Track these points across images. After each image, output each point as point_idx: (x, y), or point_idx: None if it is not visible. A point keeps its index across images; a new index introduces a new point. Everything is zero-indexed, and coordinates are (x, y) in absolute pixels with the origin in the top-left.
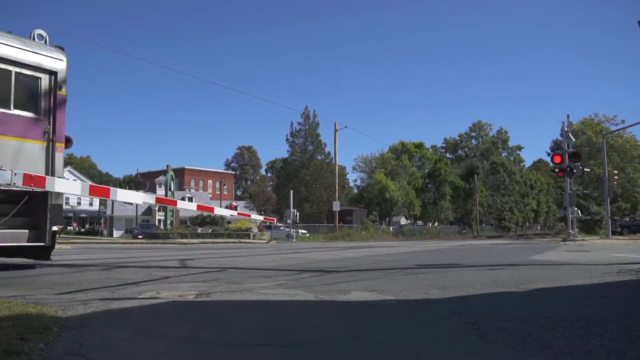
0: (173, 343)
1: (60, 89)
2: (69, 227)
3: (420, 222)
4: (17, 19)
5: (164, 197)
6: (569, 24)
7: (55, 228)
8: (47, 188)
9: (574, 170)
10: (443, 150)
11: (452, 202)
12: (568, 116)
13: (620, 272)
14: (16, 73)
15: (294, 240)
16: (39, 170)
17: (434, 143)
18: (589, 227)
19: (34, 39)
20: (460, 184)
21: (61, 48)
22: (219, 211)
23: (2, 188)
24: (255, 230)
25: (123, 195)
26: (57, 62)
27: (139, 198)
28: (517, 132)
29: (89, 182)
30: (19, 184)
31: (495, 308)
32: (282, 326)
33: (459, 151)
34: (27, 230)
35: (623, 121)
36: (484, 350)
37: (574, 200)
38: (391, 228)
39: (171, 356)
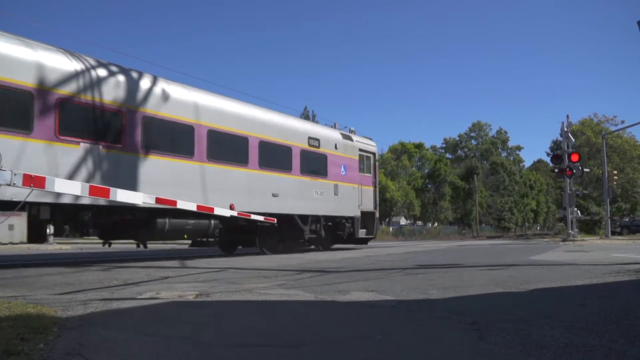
0: (173, 343)
1: (376, 160)
2: None
3: (420, 223)
4: (18, 18)
5: (163, 198)
6: (569, 24)
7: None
8: (47, 188)
9: (574, 171)
10: (443, 151)
11: (451, 202)
12: (568, 116)
13: (620, 273)
14: (365, 157)
15: None
16: (371, 203)
17: (433, 143)
18: (589, 227)
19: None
20: (460, 184)
21: (369, 138)
22: (219, 211)
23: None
24: None
25: (123, 195)
26: (374, 147)
27: (138, 198)
28: (517, 133)
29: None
30: (18, 184)
31: (495, 308)
32: (282, 326)
33: (459, 151)
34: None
35: (622, 121)
36: (483, 351)
37: (573, 201)
38: (391, 228)
39: (171, 356)
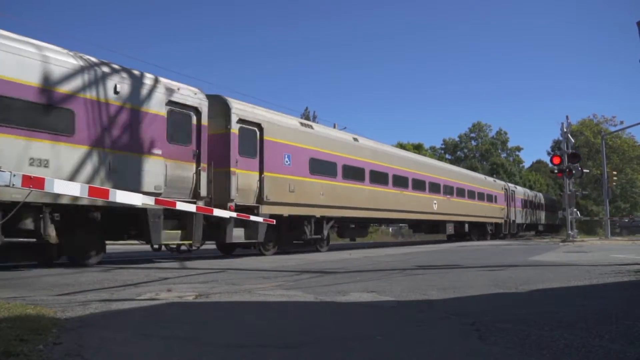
0: (172, 344)
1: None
2: None
3: None
4: (17, 18)
5: (163, 199)
6: (569, 24)
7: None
8: (46, 189)
9: (573, 171)
10: (442, 151)
11: None
12: (567, 117)
13: (620, 273)
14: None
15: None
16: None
17: (433, 144)
18: (588, 227)
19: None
20: None
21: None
22: (218, 212)
23: None
24: None
25: (122, 196)
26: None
27: (138, 199)
28: (517, 133)
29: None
30: (17, 185)
31: (494, 309)
32: (282, 327)
33: (458, 152)
34: None
35: (622, 122)
36: (483, 351)
37: (573, 201)
38: (390, 229)
39: (170, 357)
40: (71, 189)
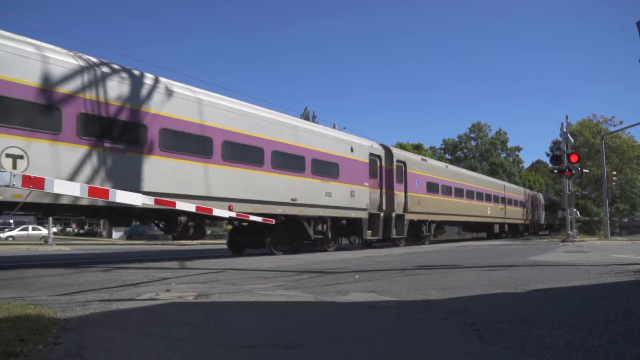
0: (172, 344)
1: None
2: (67, 229)
3: None
4: (16, 18)
5: (162, 199)
6: (569, 24)
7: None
8: (46, 189)
9: (573, 172)
10: (442, 152)
11: None
12: (567, 117)
13: (619, 273)
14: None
15: None
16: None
17: (433, 144)
18: (588, 227)
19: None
20: None
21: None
22: (218, 212)
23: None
24: None
25: (122, 196)
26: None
27: (138, 199)
28: (516, 133)
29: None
30: (17, 185)
31: (494, 309)
32: (282, 327)
33: (458, 152)
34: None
35: (621, 122)
36: (482, 352)
37: (572, 201)
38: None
39: (170, 357)
40: (71, 189)
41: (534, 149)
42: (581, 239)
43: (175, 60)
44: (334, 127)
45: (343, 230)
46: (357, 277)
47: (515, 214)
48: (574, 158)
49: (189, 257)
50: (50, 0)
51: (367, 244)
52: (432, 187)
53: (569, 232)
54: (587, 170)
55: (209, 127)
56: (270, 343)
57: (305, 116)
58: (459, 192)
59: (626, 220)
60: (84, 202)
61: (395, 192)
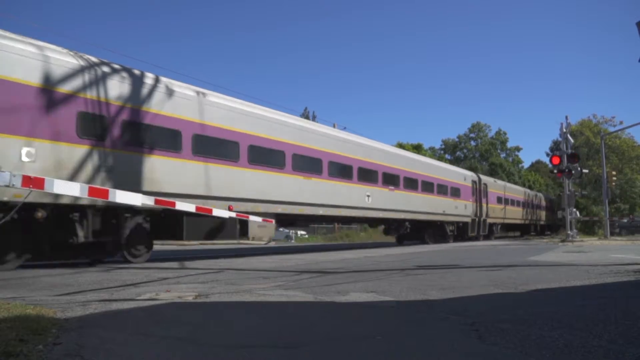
0: (172, 344)
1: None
2: None
3: None
4: (16, 18)
5: (162, 199)
6: (569, 24)
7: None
8: (46, 189)
9: (573, 172)
10: (442, 152)
11: None
12: (567, 117)
13: (619, 273)
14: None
15: (292, 241)
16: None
17: (432, 144)
18: (588, 228)
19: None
20: None
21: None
22: (217, 212)
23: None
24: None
25: (122, 196)
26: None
27: (137, 199)
28: (516, 133)
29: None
30: (17, 185)
31: (494, 309)
32: (281, 327)
33: (458, 152)
34: None
35: (621, 122)
36: (482, 352)
37: (572, 201)
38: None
39: (170, 357)
40: (70, 189)
41: (534, 149)
42: (581, 239)
43: (175, 60)
44: (334, 127)
45: (458, 230)
46: (358, 278)
47: (536, 215)
48: (573, 158)
49: (189, 257)
50: (50, 0)
51: (470, 239)
52: (499, 200)
53: (569, 232)
54: (587, 170)
55: (318, 151)
56: (270, 343)
57: (305, 116)
58: (514, 202)
59: (626, 220)
60: (84, 202)
61: (482, 204)
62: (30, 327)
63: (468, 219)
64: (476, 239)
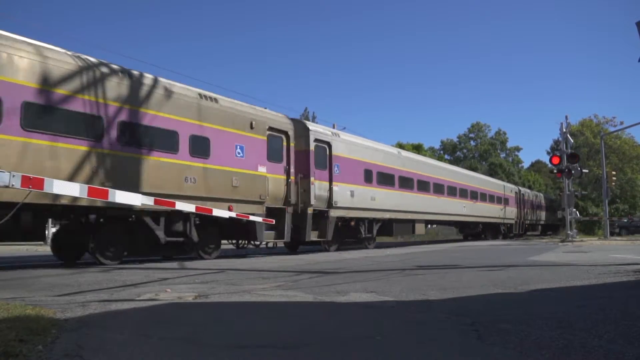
0: (172, 344)
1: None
2: None
3: None
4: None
5: (162, 199)
6: (569, 24)
7: None
8: (46, 189)
9: (572, 172)
10: (442, 152)
11: None
12: (566, 117)
13: (619, 273)
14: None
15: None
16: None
17: (432, 144)
18: (588, 228)
19: None
20: None
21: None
22: (217, 212)
23: None
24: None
25: (121, 196)
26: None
27: (137, 200)
28: (516, 133)
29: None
30: (17, 185)
31: (493, 309)
32: (281, 327)
33: (457, 152)
34: None
35: (621, 122)
36: (482, 352)
37: (572, 201)
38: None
39: (170, 358)
40: (70, 189)
41: (534, 149)
42: (580, 239)
43: (175, 61)
44: (333, 127)
45: (508, 229)
46: (357, 278)
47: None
48: (573, 158)
49: (189, 258)
50: (50, 0)
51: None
52: (531, 205)
53: (569, 232)
54: (587, 170)
55: (425, 176)
56: (269, 343)
57: (305, 116)
58: (533, 205)
59: (626, 221)
60: (83, 203)
61: (521, 209)
62: (29, 327)
63: (513, 221)
64: (519, 236)
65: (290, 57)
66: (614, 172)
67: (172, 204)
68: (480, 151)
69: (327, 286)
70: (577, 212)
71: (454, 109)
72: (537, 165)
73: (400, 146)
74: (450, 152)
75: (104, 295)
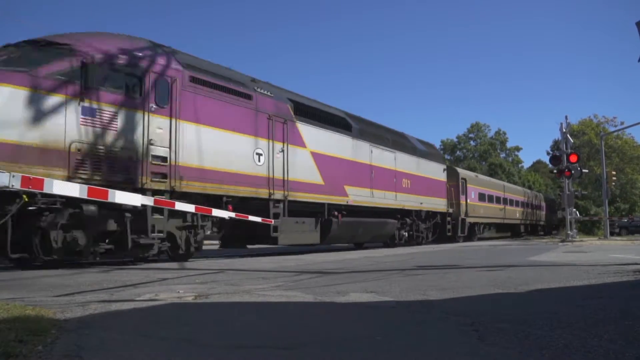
0: (172, 344)
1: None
2: None
3: None
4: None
5: (162, 199)
6: (569, 24)
7: None
8: (45, 189)
9: (572, 172)
10: (441, 152)
11: None
12: (566, 117)
13: (619, 273)
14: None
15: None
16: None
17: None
18: (588, 228)
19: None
20: None
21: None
22: (217, 213)
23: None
24: None
25: (121, 197)
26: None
27: (137, 200)
28: (516, 133)
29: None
30: (17, 186)
31: (493, 309)
32: (281, 327)
33: (457, 152)
34: None
35: (622, 123)
36: (482, 352)
37: (572, 201)
38: None
39: (170, 358)
40: (70, 190)
41: (534, 149)
42: (580, 239)
43: None
44: None
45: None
46: (357, 279)
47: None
48: (573, 158)
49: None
50: (50, 1)
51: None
52: (547, 209)
53: (569, 232)
54: (587, 170)
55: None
56: (270, 343)
57: None
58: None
59: (625, 220)
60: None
61: (544, 212)
62: (29, 327)
63: (543, 222)
64: (549, 233)
65: (290, 57)
66: (614, 172)
67: (172, 204)
68: (480, 151)
69: (327, 286)
70: (577, 212)
71: (454, 109)
72: (537, 165)
73: None
74: (450, 152)
75: (104, 296)
